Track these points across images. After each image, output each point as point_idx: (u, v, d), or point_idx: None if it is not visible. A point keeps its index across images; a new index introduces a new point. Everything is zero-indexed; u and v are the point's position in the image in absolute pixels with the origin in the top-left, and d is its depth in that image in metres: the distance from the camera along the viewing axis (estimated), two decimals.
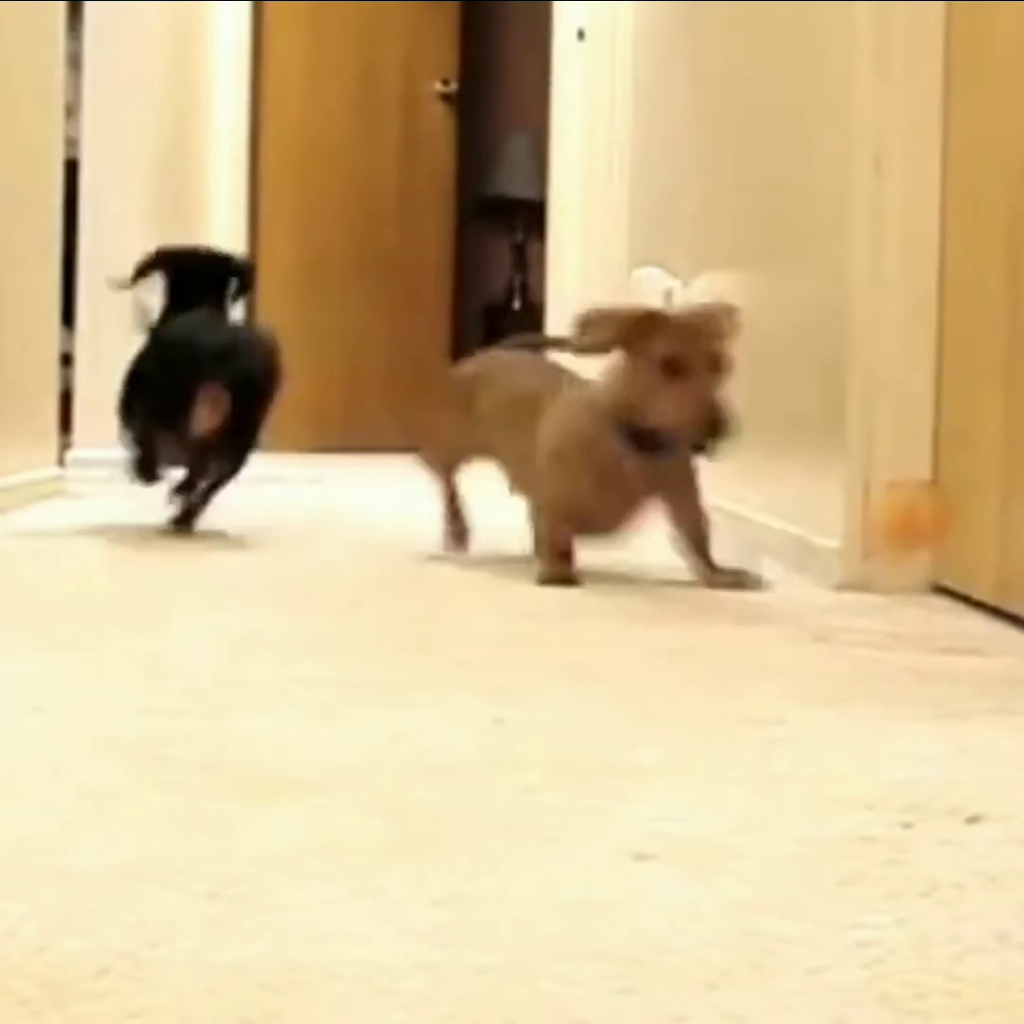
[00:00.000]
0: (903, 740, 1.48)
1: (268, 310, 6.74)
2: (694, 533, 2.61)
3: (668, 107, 4.54)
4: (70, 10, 4.47)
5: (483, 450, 2.82)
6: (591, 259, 5.97)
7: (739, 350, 2.44)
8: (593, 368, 2.58)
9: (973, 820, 1.19)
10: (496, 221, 7.83)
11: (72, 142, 4.85)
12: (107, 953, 0.89)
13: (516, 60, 7.70)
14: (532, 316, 7.25)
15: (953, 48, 2.52)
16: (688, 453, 2.53)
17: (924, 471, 2.56)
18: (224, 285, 3.40)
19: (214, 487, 3.33)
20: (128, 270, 3.36)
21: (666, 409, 2.39)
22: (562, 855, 1.10)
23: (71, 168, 4.74)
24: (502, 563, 2.87)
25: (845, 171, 2.65)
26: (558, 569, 2.57)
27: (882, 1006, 0.84)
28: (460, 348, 7.38)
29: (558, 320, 6.36)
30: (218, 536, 3.33)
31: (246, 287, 3.52)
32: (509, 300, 7.73)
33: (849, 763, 1.39)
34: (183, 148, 5.82)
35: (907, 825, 1.18)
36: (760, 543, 3.03)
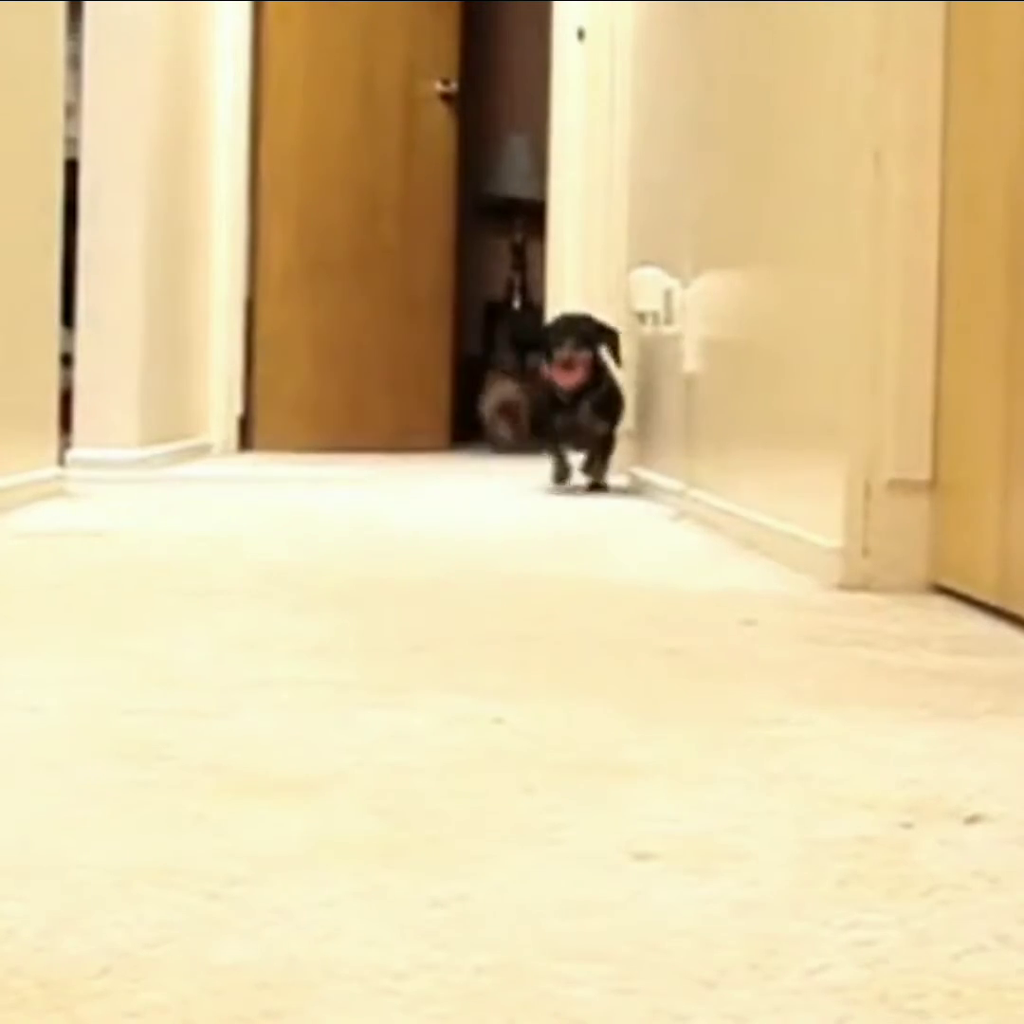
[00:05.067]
0: (903, 740, 1.48)
1: (268, 310, 6.74)
2: None
3: (668, 107, 4.54)
4: (70, 10, 4.46)
5: None
6: (591, 259, 5.96)
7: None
8: None
9: (973, 820, 1.19)
10: (496, 221, 7.82)
11: (72, 142, 4.85)
12: (107, 953, 0.89)
13: (516, 60, 7.69)
14: (532, 316, 7.25)
15: (953, 48, 2.52)
16: None
17: (924, 471, 2.56)
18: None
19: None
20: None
21: None
22: (562, 855, 1.10)
23: (71, 168, 4.74)
24: (501, 561, 2.87)
25: (845, 170, 2.65)
26: None
27: (882, 1006, 0.84)
28: (460, 348, 7.38)
29: None
30: (217, 536, 3.33)
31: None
32: (509, 300, 7.73)
33: (849, 763, 1.39)
34: (183, 148, 5.82)
35: (907, 825, 1.18)
36: (759, 542, 3.03)
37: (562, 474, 4.75)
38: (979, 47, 2.44)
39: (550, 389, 4.63)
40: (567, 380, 4.53)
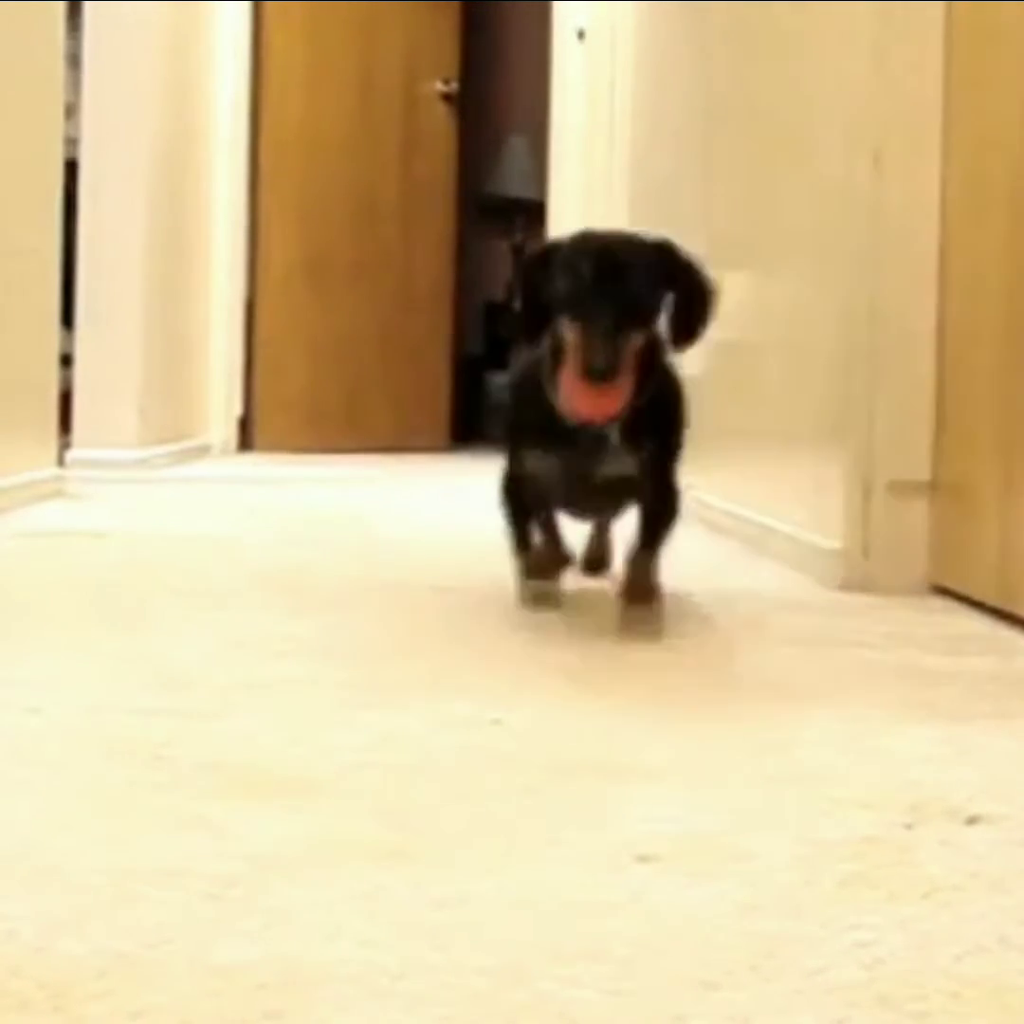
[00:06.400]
0: (903, 740, 1.48)
1: (268, 310, 6.74)
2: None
3: (668, 107, 4.54)
4: (70, 10, 4.46)
5: None
6: None
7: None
8: None
9: (973, 821, 1.19)
10: (496, 221, 7.83)
11: (72, 142, 4.85)
12: (107, 954, 0.89)
13: (516, 60, 7.70)
14: None
15: (953, 48, 2.52)
16: None
17: (924, 471, 2.56)
18: None
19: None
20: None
21: None
22: (562, 855, 1.10)
23: (71, 168, 4.74)
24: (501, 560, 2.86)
25: (845, 170, 2.65)
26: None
27: (882, 1006, 0.84)
28: (460, 348, 7.38)
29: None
30: (216, 537, 3.33)
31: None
32: (509, 300, 7.73)
33: (849, 763, 1.39)
34: (183, 148, 5.82)
35: (907, 826, 1.18)
36: (759, 544, 3.04)
37: (547, 594, 2.31)
38: (979, 47, 2.44)
39: (536, 395, 2.16)
40: (597, 406, 1.95)
